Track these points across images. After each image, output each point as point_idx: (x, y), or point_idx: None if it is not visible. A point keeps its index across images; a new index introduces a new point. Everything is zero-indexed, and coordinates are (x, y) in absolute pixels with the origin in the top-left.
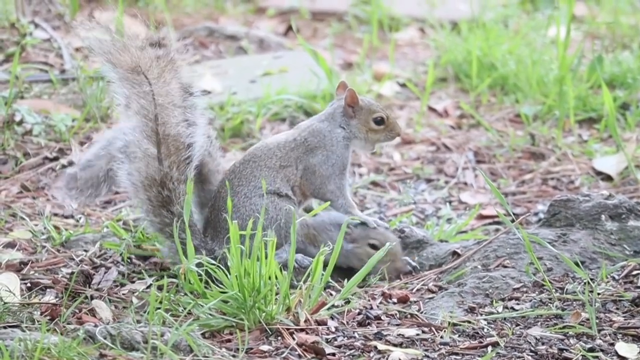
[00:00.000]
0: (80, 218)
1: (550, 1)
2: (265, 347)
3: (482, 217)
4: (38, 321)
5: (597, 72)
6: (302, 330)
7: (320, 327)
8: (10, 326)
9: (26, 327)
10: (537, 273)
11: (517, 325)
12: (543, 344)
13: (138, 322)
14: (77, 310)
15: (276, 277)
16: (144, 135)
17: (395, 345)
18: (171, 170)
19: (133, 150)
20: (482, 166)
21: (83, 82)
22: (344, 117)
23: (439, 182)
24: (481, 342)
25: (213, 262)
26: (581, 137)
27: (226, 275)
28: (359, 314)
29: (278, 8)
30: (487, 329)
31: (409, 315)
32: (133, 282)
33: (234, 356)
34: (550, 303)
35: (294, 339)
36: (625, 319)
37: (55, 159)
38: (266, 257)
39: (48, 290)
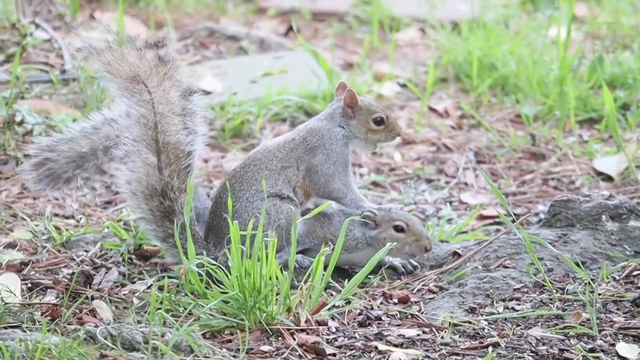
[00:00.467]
0: (80, 218)
1: (551, 1)
2: (265, 348)
3: (482, 217)
4: (39, 321)
5: (598, 72)
6: (302, 330)
7: (320, 328)
8: (10, 326)
9: (27, 327)
10: (538, 273)
11: (518, 325)
12: (544, 344)
13: (139, 322)
14: (77, 311)
15: (277, 278)
16: (144, 143)
17: (395, 345)
18: (172, 180)
19: (133, 160)
20: (483, 166)
21: (84, 82)
22: (344, 118)
23: (439, 182)
24: (482, 343)
25: (214, 262)
26: (582, 138)
27: (227, 276)
28: (359, 314)
29: (279, 8)
30: (488, 330)
31: (409, 316)
32: (134, 282)
33: (234, 356)
34: (551, 303)
35: (294, 339)
36: (625, 320)
37: None
38: (267, 258)
39: (49, 290)
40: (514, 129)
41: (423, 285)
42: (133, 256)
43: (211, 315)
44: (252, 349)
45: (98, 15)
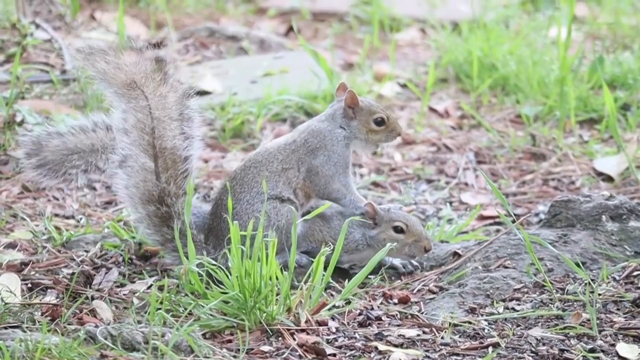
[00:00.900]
0: (81, 218)
1: (551, 2)
2: (266, 348)
3: (482, 217)
4: (39, 322)
5: (598, 72)
6: (302, 330)
7: (321, 328)
8: (11, 327)
9: (27, 327)
10: (538, 274)
11: (518, 325)
12: (544, 344)
13: (139, 322)
14: (77, 311)
15: (277, 278)
16: (141, 148)
17: (396, 345)
18: (168, 185)
19: (130, 165)
20: (483, 167)
21: (84, 82)
22: (344, 119)
23: (439, 182)
24: (482, 343)
25: (214, 262)
26: (582, 138)
27: (227, 276)
28: (359, 314)
29: (279, 8)
30: (488, 330)
31: (409, 316)
32: (134, 282)
33: (234, 357)
34: (551, 304)
35: (294, 339)
36: (626, 320)
37: None
38: (267, 258)
39: (49, 290)
40: (514, 129)
41: (423, 285)
42: (133, 256)
43: (211, 315)
44: (252, 349)
45: (98, 16)
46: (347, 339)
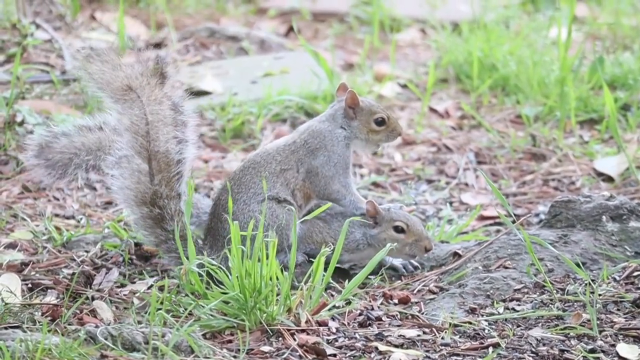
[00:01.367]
0: (81, 219)
1: (552, 2)
2: (266, 348)
3: (483, 218)
4: (39, 322)
5: (598, 73)
6: (303, 331)
7: (321, 328)
8: (11, 327)
9: (27, 327)
10: (538, 274)
11: (518, 326)
12: (544, 345)
13: (139, 322)
14: (78, 311)
15: (277, 278)
16: (134, 150)
17: (396, 346)
18: (160, 187)
19: (125, 166)
20: (483, 167)
21: (84, 83)
22: (345, 119)
23: (439, 182)
24: (482, 343)
25: (214, 262)
26: (582, 138)
27: (227, 276)
28: (360, 314)
29: (279, 9)
30: (488, 330)
31: (410, 316)
32: (134, 282)
33: (234, 357)
34: (551, 304)
35: (294, 339)
36: (626, 320)
37: None
38: (267, 258)
39: (49, 290)
40: (514, 129)
41: (423, 285)
42: (133, 256)
43: (211, 315)
44: (252, 349)
45: (98, 16)
46: (347, 339)
